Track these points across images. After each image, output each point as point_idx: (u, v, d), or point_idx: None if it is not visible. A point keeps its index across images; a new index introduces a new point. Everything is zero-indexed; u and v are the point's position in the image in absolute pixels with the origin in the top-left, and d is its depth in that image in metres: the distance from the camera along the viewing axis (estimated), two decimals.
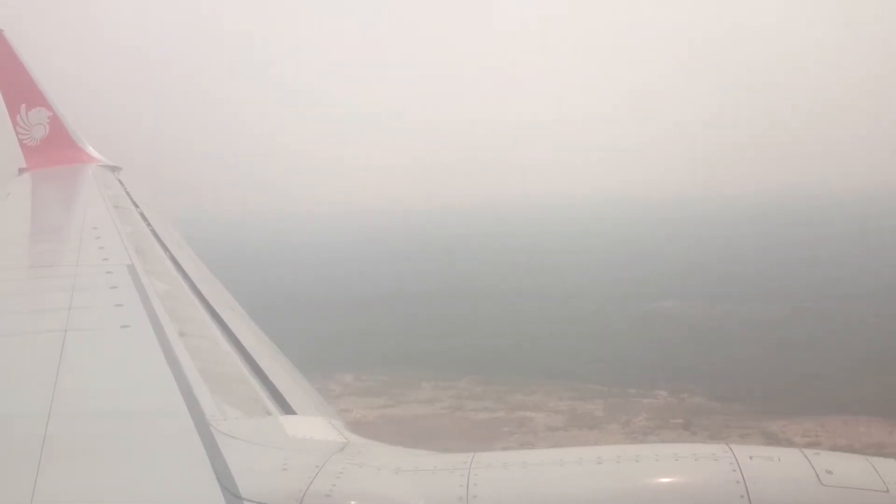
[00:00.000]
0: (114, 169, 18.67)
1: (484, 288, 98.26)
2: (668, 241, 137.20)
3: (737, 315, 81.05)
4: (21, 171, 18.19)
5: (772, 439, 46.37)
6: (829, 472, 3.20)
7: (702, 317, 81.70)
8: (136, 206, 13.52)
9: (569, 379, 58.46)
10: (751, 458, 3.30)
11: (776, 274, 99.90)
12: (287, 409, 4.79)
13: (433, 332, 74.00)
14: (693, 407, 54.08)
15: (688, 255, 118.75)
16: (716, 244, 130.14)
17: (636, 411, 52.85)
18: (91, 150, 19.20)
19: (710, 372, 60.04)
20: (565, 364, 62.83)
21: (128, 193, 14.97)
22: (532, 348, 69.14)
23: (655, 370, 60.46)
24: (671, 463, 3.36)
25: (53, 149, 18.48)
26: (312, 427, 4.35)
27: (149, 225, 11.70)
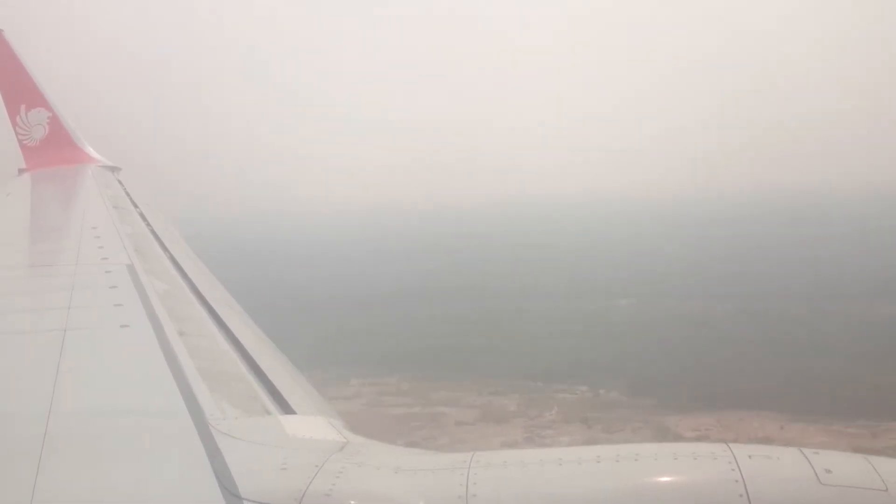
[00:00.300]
0: (113, 169, 18.67)
1: (443, 287, 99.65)
2: (633, 240, 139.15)
3: (680, 312, 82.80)
4: (21, 171, 18.21)
5: (662, 433, 48.13)
6: (829, 471, 3.20)
7: (650, 315, 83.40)
8: (136, 206, 13.51)
9: (497, 375, 59.81)
10: (750, 457, 3.30)
11: (729, 273, 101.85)
12: (286, 408, 4.79)
13: (379, 331, 74.76)
14: (605, 402, 55.59)
15: (650, 254, 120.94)
16: (680, 244, 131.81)
17: (549, 406, 54.05)
18: (90, 151, 19.20)
19: (636, 368, 61.68)
20: (499, 360, 64.25)
21: (127, 194, 14.96)
22: (472, 345, 70.28)
23: (586, 367, 62.01)
24: (670, 462, 3.36)
25: (53, 149, 18.48)
26: (312, 426, 4.35)
27: (148, 225, 11.69)
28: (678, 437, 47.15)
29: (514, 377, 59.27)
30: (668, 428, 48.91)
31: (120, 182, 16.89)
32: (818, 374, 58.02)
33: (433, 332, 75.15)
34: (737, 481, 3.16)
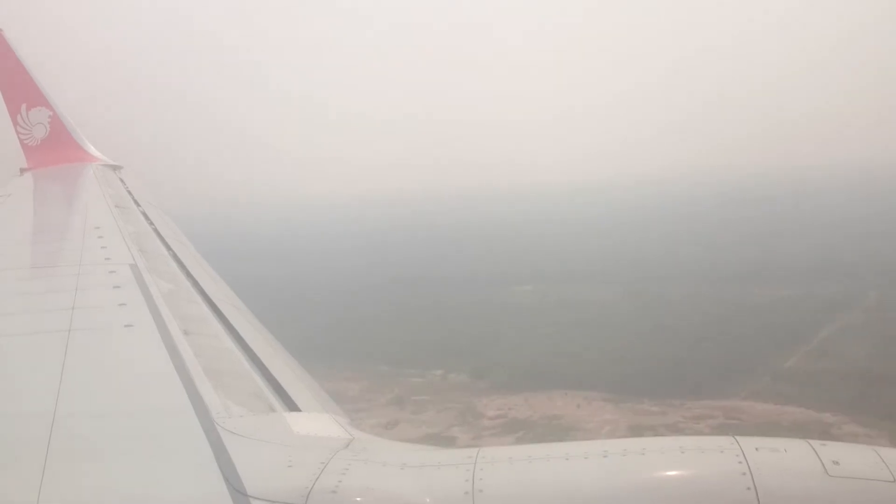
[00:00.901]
0: (115, 168, 18.65)
1: (351, 278, 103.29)
2: (545, 228, 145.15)
3: (571, 297, 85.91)
4: (22, 170, 18.19)
5: (464, 413, 50.63)
6: (836, 463, 3.18)
7: (543, 300, 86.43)
8: (138, 204, 13.49)
9: (364, 361, 61.56)
10: (757, 449, 3.28)
11: (640, 257, 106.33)
12: (292, 406, 4.80)
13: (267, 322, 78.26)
14: (448, 384, 57.77)
15: (576, 241, 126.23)
16: (613, 231, 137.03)
17: (389, 389, 55.78)
18: (92, 149, 19.18)
19: (494, 352, 64.08)
20: (372, 347, 65.99)
21: (129, 192, 14.93)
22: (353, 334, 71.94)
23: (453, 351, 64.27)
24: (677, 456, 3.34)
25: (54, 148, 18.47)
26: (317, 424, 4.36)
27: (151, 224, 11.67)
28: (478, 416, 50.15)
29: (377, 363, 61.27)
30: (474, 408, 51.26)
31: (122, 180, 16.87)
32: (652, 356, 60.58)
33: (321, 320, 76.82)
34: (744, 474, 3.15)
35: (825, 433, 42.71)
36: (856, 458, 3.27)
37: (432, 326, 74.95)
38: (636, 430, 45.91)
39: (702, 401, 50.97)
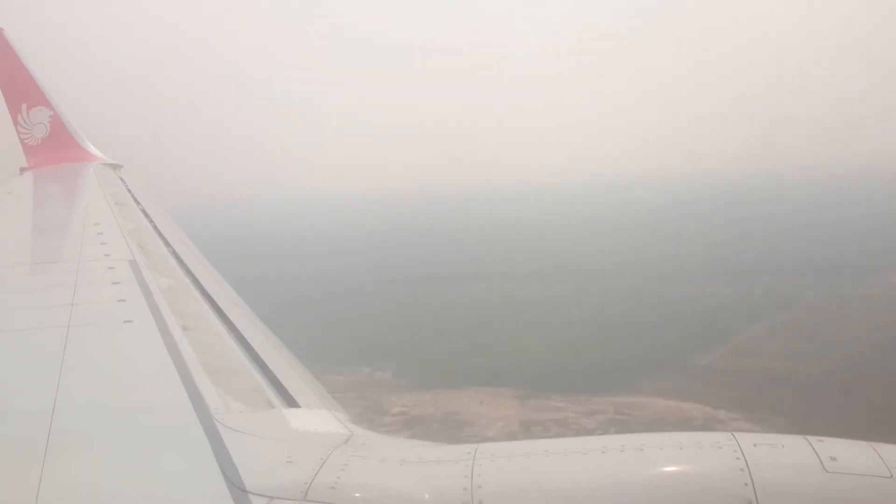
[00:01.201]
0: (115, 167, 18.68)
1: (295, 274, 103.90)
2: (505, 226, 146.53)
3: (524, 294, 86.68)
4: (22, 170, 18.22)
5: (369, 409, 51.18)
6: (834, 459, 3.18)
7: (496, 298, 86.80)
8: (138, 202, 13.50)
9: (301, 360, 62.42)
10: (755, 445, 3.29)
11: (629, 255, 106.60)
12: (291, 402, 4.80)
13: None
14: (370, 381, 58.67)
15: (553, 240, 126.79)
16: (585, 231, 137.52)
17: None
18: (92, 149, 19.21)
19: (427, 350, 64.90)
20: (308, 345, 65.88)
21: (129, 190, 14.95)
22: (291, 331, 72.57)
23: (381, 348, 65.12)
24: (675, 452, 3.35)
25: (54, 147, 18.50)
26: (316, 420, 4.36)
27: (151, 221, 11.69)
28: (382, 413, 50.70)
29: (309, 361, 61.90)
30: (380, 405, 52.14)
31: (122, 179, 16.89)
32: (581, 353, 61.96)
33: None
34: (742, 470, 3.15)
35: (708, 428, 43.30)
36: (853, 454, 3.28)
37: (389, 326, 75.17)
38: (526, 425, 47.15)
39: (605, 397, 51.87)
